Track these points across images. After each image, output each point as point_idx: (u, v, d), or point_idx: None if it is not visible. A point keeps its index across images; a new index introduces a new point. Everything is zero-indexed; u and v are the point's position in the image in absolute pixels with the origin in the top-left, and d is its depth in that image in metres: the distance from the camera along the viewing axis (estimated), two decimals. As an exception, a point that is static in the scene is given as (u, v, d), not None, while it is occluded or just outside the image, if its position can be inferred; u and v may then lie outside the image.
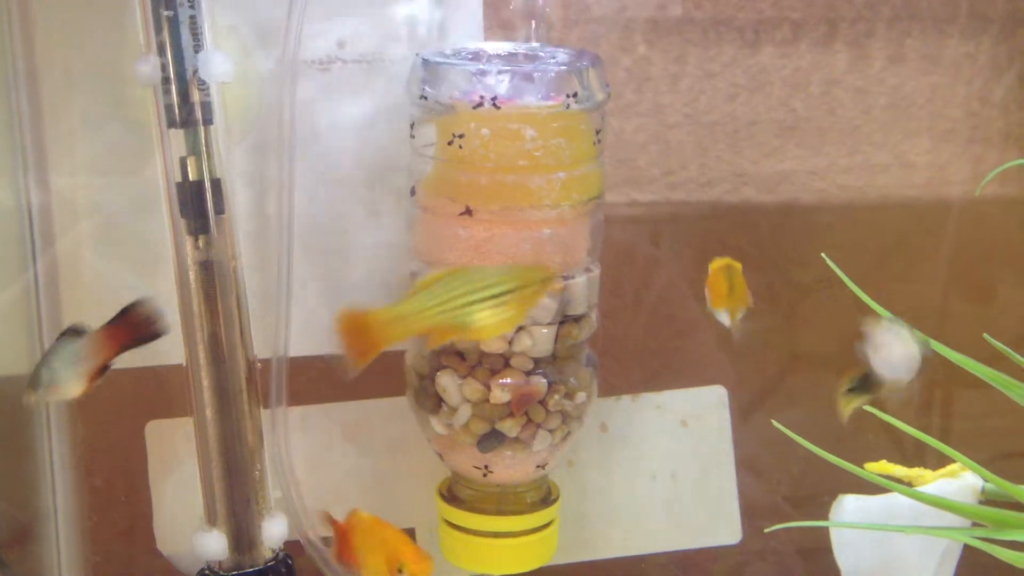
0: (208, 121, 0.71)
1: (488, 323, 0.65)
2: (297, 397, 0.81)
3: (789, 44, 0.88)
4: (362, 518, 0.72)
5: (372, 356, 0.66)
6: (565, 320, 0.73)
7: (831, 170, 0.91)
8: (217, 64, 0.71)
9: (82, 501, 0.85)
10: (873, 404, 0.69)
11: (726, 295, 0.74)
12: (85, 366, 0.66)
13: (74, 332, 0.66)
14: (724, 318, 0.74)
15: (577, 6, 0.85)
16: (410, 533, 0.86)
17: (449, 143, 0.69)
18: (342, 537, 0.73)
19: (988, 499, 0.74)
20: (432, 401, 0.74)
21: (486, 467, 0.75)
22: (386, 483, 0.86)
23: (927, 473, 0.75)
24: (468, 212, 0.70)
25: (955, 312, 0.96)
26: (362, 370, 0.66)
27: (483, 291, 0.65)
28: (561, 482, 0.81)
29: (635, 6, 0.85)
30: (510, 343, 0.72)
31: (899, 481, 0.74)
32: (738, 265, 0.74)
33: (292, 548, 0.80)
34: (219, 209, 0.72)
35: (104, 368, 0.66)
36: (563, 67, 0.70)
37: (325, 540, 0.81)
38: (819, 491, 0.80)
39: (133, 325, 0.66)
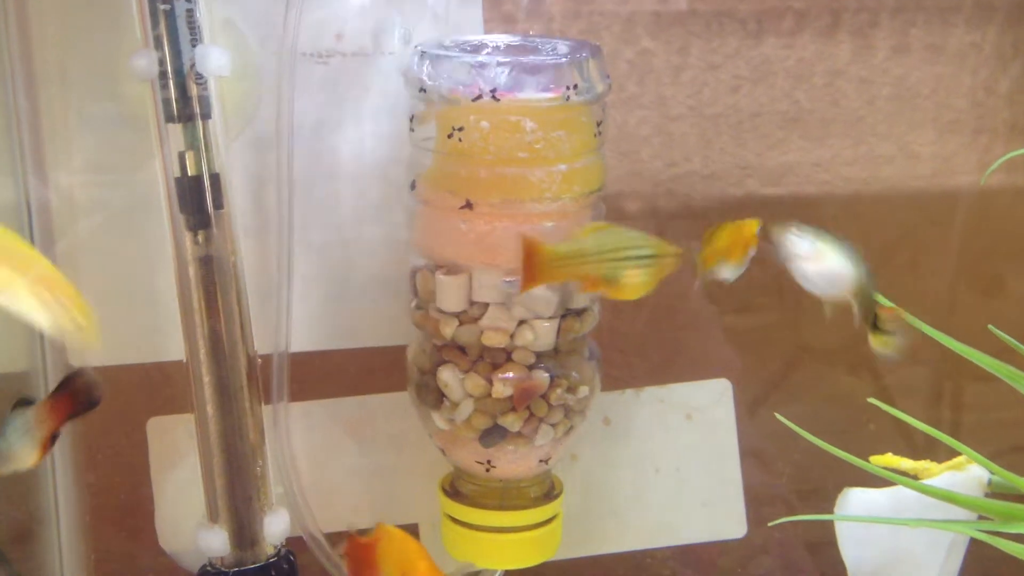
0: (206, 115, 0.71)
1: (632, 282, 0.67)
2: (298, 393, 0.81)
3: (792, 35, 0.87)
4: (387, 531, 0.72)
5: (537, 284, 0.68)
6: (567, 314, 0.73)
7: (835, 162, 0.90)
8: (214, 58, 0.70)
9: (83, 498, 0.85)
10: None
11: (704, 243, 0.72)
12: (37, 435, 0.65)
13: (24, 402, 0.66)
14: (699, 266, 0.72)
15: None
16: (413, 529, 0.86)
17: (449, 136, 0.69)
18: (365, 549, 0.72)
19: (995, 492, 0.73)
20: (434, 396, 0.74)
21: (488, 462, 0.75)
22: (388, 479, 0.86)
23: (933, 466, 0.75)
24: (468, 206, 0.69)
25: (963, 304, 0.95)
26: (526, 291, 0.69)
27: (633, 250, 0.67)
28: (564, 477, 0.81)
29: (637, -2, 0.85)
30: (512, 337, 0.71)
31: (905, 474, 0.73)
32: (739, 226, 0.72)
33: (294, 544, 0.80)
34: (218, 204, 0.72)
35: (54, 438, 0.66)
36: (563, 59, 0.69)
37: (328, 536, 0.81)
38: (825, 484, 0.80)
39: (73, 395, 0.66)
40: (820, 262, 0.66)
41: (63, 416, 0.66)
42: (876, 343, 0.69)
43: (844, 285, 0.66)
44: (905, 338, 0.68)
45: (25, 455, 0.65)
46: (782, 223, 0.66)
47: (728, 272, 0.70)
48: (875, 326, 0.68)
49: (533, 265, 0.66)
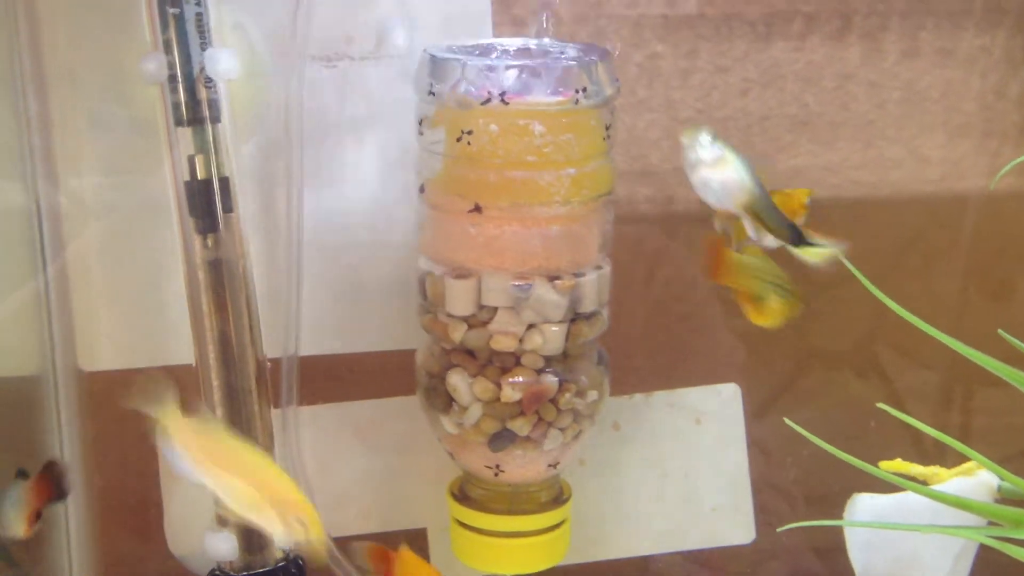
0: (215, 119, 0.71)
1: (773, 307, 0.72)
2: (307, 397, 0.81)
3: (802, 38, 0.87)
4: (405, 557, 0.72)
5: (720, 279, 0.74)
6: (576, 318, 0.72)
7: (845, 165, 0.90)
8: (224, 61, 0.70)
9: (92, 501, 0.85)
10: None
11: None
12: (26, 511, 0.69)
13: (22, 475, 0.70)
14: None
15: (588, 2, 0.84)
16: (421, 533, 0.86)
17: (458, 140, 0.69)
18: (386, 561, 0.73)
19: (1004, 498, 0.73)
20: (443, 400, 0.74)
21: (497, 466, 0.74)
22: (397, 483, 0.86)
23: (942, 471, 0.74)
24: (477, 209, 0.69)
25: (973, 308, 0.95)
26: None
27: (779, 280, 0.72)
28: (573, 481, 0.81)
29: (646, 2, 0.85)
30: (521, 341, 0.71)
31: (914, 479, 0.73)
32: (788, 194, 0.74)
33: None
34: (227, 207, 0.72)
35: (38, 516, 0.69)
36: (572, 62, 0.69)
37: (336, 541, 0.81)
38: (833, 489, 0.80)
39: (49, 482, 0.70)
40: (723, 171, 0.66)
41: (43, 500, 0.69)
42: (808, 255, 0.69)
43: (739, 198, 0.67)
44: (834, 244, 0.69)
45: (19, 526, 0.69)
46: (692, 127, 0.67)
47: (773, 240, 0.71)
48: (799, 241, 0.69)
49: (718, 262, 0.73)
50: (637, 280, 0.88)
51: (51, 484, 0.70)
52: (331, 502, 0.83)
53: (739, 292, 0.73)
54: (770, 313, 0.72)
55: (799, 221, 0.73)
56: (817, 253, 0.69)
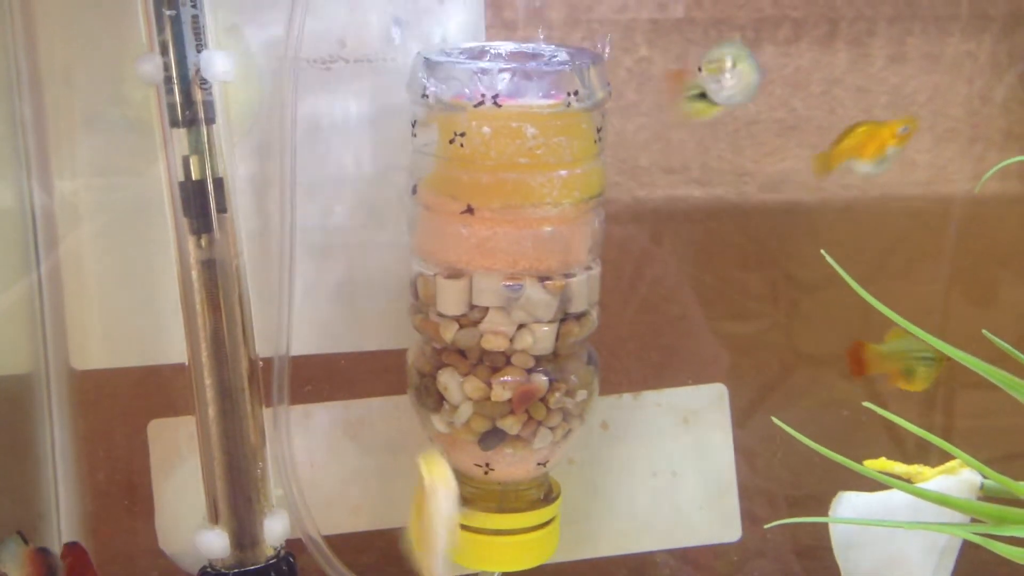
0: (210, 120, 0.72)
1: (921, 376, 0.82)
2: (299, 396, 0.81)
3: (790, 43, 0.88)
4: None
5: (864, 373, 0.84)
6: (566, 318, 0.73)
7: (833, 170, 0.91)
8: (219, 63, 0.71)
9: (84, 499, 0.85)
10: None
11: (835, 142, 0.79)
12: (22, 571, 0.71)
13: (21, 538, 0.72)
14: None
15: (579, 6, 0.85)
16: (411, 531, 0.86)
17: (451, 141, 0.69)
18: None
19: (987, 496, 0.74)
20: (434, 399, 0.74)
21: (487, 465, 0.75)
22: (388, 481, 0.86)
23: (926, 470, 0.75)
24: (470, 210, 0.70)
25: (957, 311, 0.96)
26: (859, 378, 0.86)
27: (922, 352, 0.82)
28: (562, 480, 0.81)
29: (636, 6, 0.86)
30: (511, 341, 0.72)
31: (899, 478, 0.73)
32: (878, 124, 0.79)
33: (294, 546, 0.80)
34: (221, 208, 0.73)
35: None
36: (564, 65, 0.70)
37: (327, 539, 0.82)
38: (819, 489, 0.80)
39: (41, 566, 0.72)
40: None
41: (34, 572, 0.71)
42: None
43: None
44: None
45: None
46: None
47: (863, 167, 0.76)
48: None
49: (861, 360, 0.83)
50: (626, 281, 0.89)
51: (42, 568, 0.72)
52: (322, 500, 0.83)
53: (890, 373, 0.83)
54: (920, 380, 0.83)
55: (893, 150, 0.79)
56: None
